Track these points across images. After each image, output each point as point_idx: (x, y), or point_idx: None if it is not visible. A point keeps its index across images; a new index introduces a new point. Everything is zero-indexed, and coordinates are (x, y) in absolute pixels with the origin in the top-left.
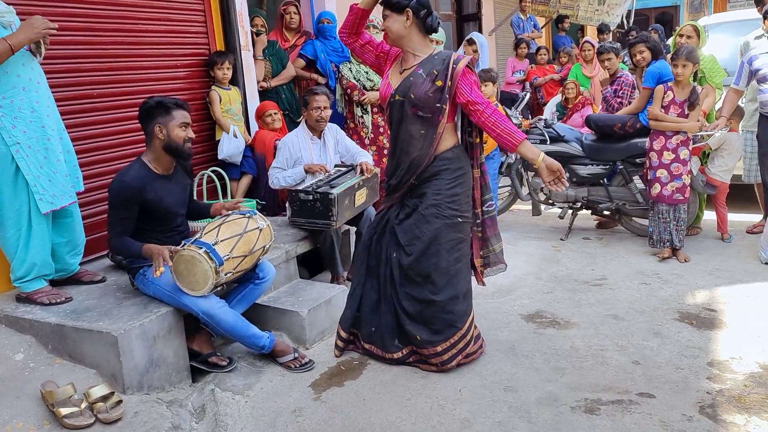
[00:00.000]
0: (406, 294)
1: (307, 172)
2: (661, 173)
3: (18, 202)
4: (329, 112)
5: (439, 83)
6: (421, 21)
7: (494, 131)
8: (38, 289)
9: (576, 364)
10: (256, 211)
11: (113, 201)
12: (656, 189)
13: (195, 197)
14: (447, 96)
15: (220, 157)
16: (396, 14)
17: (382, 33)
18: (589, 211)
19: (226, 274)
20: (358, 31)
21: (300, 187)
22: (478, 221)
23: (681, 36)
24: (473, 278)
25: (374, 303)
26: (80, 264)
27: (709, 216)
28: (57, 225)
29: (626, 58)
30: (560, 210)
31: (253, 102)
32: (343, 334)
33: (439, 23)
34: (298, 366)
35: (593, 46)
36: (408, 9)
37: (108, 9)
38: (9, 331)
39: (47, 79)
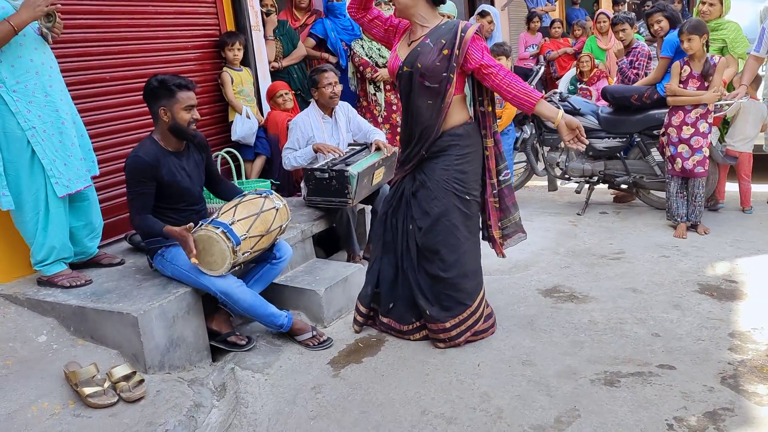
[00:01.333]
0: (420, 267)
1: (315, 151)
2: (683, 148)
3: (35, 186)
4: (340, 87)
5: (446, 52)
6: None
7: (510, 92)
8: (58, 272)
9: (595, 337)
10: (273, 191)
11: (130, 177)
12: (678, 164)
13: (219, 175)
14: (454, 65)
15: (233, 138)
16: None
17: (392, 9)
18: (606, 185)
19: (243, 254)
20: (366, 6)
21: (315, 166)
22: (495, 191)
23: (703, 3)
24: (494, 251)
25: (392, 277)
26: (99, 247)
27: (731, 187)
28: (74, 208)
29: (642, 30)
30: (576, 184)
31: (265, 82)
32: (363, 309)
33: None
34: (316, 344)
35: (608, 17)
36: None
37: None
38: (32, 314)
39: (58, 63)
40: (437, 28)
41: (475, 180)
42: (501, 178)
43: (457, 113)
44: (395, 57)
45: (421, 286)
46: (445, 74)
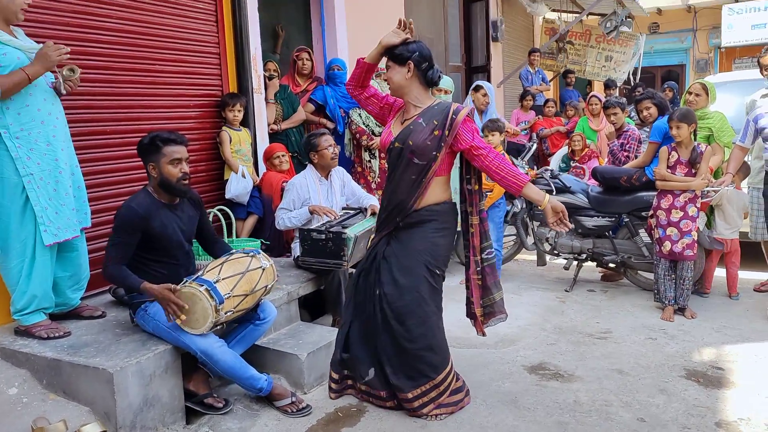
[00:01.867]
0: (385, 333)
1: (311, 213)
2: (671, 231)
3: (24, 232)
4: (338, 149)
5: (437, 132)
6: (422, 73)
7: (498, 174)
8: (37, 322)
9: (579, 419)
10: (260, 251)
11: (117, 225)
12: (666, 246)
13: (213, 232)
14: (443, 144)
15: (227, 196)
16: (398, 66)
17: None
18: (595, 263)
19: (226, 313)
20: (364, 84)
21: (312, 227)
22: (478, 269)
23: (690, 93)
24: (474, 328)
25: (363, 339)
26: (81, 299)
27: (718, 273)
28: (61, 258)
29: (633, 114)
30: (565, 261)
31: (263, 144)
32: (335, 375)
33: (440, 77)
34: (295, 411)
35: (600, 100)
36: (410, 61)
37: (125, 49)
38: (5, 365)
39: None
40: (430, 109)
41: (446, 256)
42: (484, 255)
43: (438, 192)
44: (389, 133)
45: (388, 352)
46: (434, 153)
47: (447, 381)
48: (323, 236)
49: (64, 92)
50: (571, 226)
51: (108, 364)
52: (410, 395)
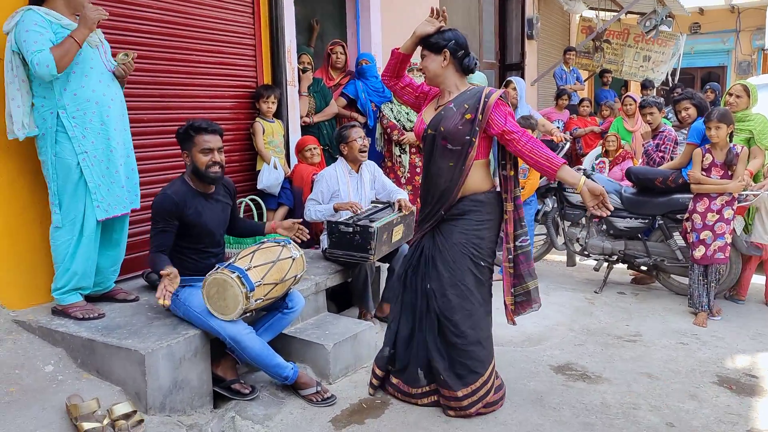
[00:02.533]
0: (439, 330)
1: (336, 210)
2: (706, 235)
3: (74, 211)
4: (368, 141)
5: (468, 116)
6: (459, 61)
7: (532, 158)
8: (73, 302)
9: (606, 421)
10: (291, 240)
11: (155, 214)
12: (700, 251)
13: (238, 214)
14: (477, 128)
15: (259, 186)
16: (434, 54)
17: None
18: (626, 265)
19: (256, 300)
20: (399, 74)
21: (340, 219)
22: (510, 256)
23: (730, 95)
24: (505, 317)
25: (408, 338)
26: (116, 282)
27: (755, 279)
28: (106, 240)
29: (670, 115)
30: (595, 262)
31: (295, 136)
32: (379, 372)
33: (476, 64)
34: (319, 400)
35: (635, 101)
36: (446, 50)
37: (166, 39)
38: (42, 343)
39: None
40: (462, 94)
41: (491, 248)
42: (518, 243)
43: (480, 179)
44: (421, 120)
45: (439, 348)
46: (467, 138)
47: (492, 377)
48: (350, 229)
49: (117, 75)
50: (612, 208)
51: (140, 346)
52: (460, 394)
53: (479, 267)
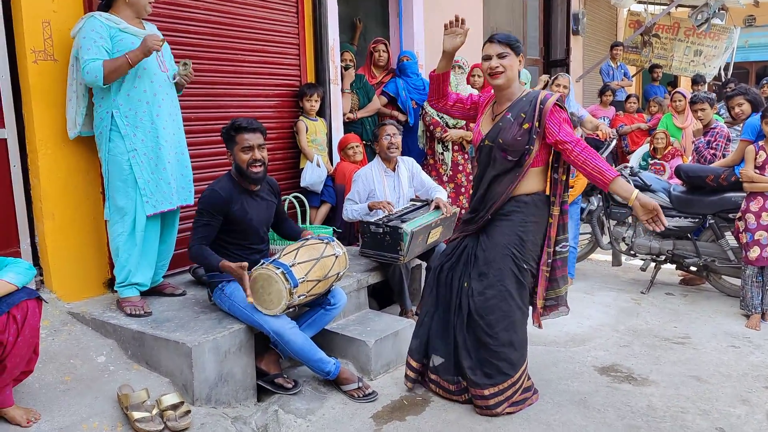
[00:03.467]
0: (469, 328)
1: (371, 209)
2: (761, 235)
3: (125, 206)
4: (399, 139)
5: (526, 126)
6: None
7: (585, 169)
8: (127, 297)
9: (652, 424)
10: (334, 238)
11: (201, 207)
12: (755, 252)
13: (285, 214)
14: (534, 137)
15: (302, 184)
16: (514, 55)
17: (467, 71)
18: (674, 266)
19: (299, 296)
20: (443, 93)
21: (372, 219)
22: (549, 260)
23: None
24: (531, 320)
25: (442, 333)
26: (164, 277)
27: None
28: (162, 234)
29: (722, 111)
30: (642, 262)
31: (338, 134)
32: (414, 364)
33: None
34: (361, 396)
35: (684, 97)
36: (521, 54)
37: (211, 39)
38: (95, 334)
39: None
40: (518, 101)
41: (534, 251)
42: (558, 248)
43: (530, 182)
44: (478, 131)
45: (468, 347)
46: (527, 147)
47: (522, 379)
48: (381, 230)
49: (178, 85)
50: (668, 224)
51: (187, 339)
52: (486, 392)
53: (521, 269)
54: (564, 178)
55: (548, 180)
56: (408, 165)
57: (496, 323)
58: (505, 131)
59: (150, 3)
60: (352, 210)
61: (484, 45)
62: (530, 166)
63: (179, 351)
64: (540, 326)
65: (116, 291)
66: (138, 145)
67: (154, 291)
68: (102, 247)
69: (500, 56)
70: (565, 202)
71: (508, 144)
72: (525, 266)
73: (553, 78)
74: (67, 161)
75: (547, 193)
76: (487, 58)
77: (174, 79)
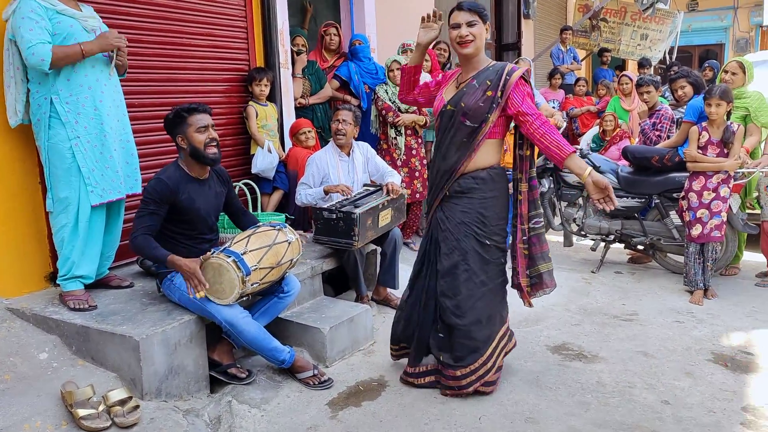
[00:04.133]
0: (437, 308)
1: (326, 193)
2: (702, 213)
3: (68, 196)
4: (350, 127)
5: (489, 93)
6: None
7: (542, 143)
8: (71, 290)
9: (602, 399)
10: (287, 225)
11: (147, 196)
12: (697, 229)
13: (241, 206)
14: (495, 106)
15: (253, 171)
16: (482, 23)
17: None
18: (622, 245)
19: (252, 285)
20: (414, 86)
21: (325, 205)
22: (525, 237)
23: (726, 72)
24: (521, 299)
25: (408, 319)
26: (110, 268)
27: (749, 257)
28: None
29: (667, 94)
30: (592, 242)
31: (290, 119)
32: (393, 347)
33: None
34: (316, 383)
35: (631, 79)
36: (487, 22)
37: (154, 22)
38: (36, 330)
39: None
40: (485, 70)
41: (498, 225)
42: (531, 224)
43: (486, 156)
44: (441, 99)
45: (438, 329)
46: (486, 114)
47: (494, 357)
48: (334, 215)
49: (113, 71)
50: (618, 203)
51: (134, 332)
52: (459, 373)
53: (484, 246)
54: (528, 153)
55: (515, 156)
56: (363, 150)
57: (463, 303)
58: (468, 96)
59: None
60: (306, 194)
61: (450, 13)
62: (486, 137)
63: (126, 345)
64: (530, 305)
65: (59, 285)
66: (81, 132)
67: (100, 284)
68: (42, 239)
69: (469, 24)
70: (533, 177)
71: (469, 108)
72: (488, 242)
73: (514, 62)
74: (1, 150)
75: (502, 165)
76: (455, 26)
77: (111, 61)
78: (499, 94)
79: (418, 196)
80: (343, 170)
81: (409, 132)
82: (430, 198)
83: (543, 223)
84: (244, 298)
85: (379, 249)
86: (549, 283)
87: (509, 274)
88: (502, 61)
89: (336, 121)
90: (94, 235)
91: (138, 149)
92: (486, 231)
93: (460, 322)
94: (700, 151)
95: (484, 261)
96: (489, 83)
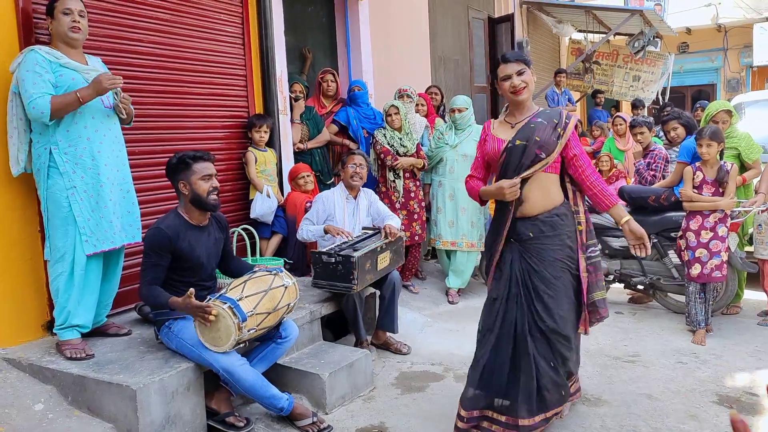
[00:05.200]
0: (550, 348)
1: (326, 232)
2: (701, 253)
3: (64, 245)
4: (365, 171)
5: (560, 130)
6: None
7: (591, 190)
8: (67, 339)
9: None
10: (283, 269)
11: (147, 247)
12: (696, 269)
13: (232, 252)
14: (559, 142)
15: (252, 215)
16: (529, 69)
17: (415, 99)
18: (622, 285)
19: (249, 331)
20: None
21: (323, 249)
22: (586, 266)
23: (716, 122)
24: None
25: (507, 371)
26: (108, 316)
27: (752, 296)
28: (105, 274)
29: (661, 134)
30: None
31: (288, 164)
32: (463, 413)
33: None
34: (315, 431)
35: (625, 120)
36: (531, 67)
37: (156, 72)
38: (32, 380)
39: None
40: (542, 111)
41: (576, 258)
42: (588, 254)
43: (557, 191)
44: (495, 139)
45: (556, 367)
46: (554, 149)
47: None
48: (333, 259)
49: (123, 115)
50: (650, 251)
51: (131, 381)
52: (549, 414)
53: (576, 278)
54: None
55: (566, 191)
56: (368, 195)
57: (573, 337)
58: (541, 131)
59: (71, 28)
60: (308, 230)
61: (498, 66)
62: (553, 170)
63: (123, 394)
64: (587, 333)
65: (55, 334)
66: (77, 182)
67: (98, 332)
68: (40, 288)
69: (519, 73)
70: (586, 210)
71: (545, 141)
72: (578, 274)
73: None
74: (2, 199)
75: (568, 202)
76: (506, 78)
77: (113, 107)
78: (562, 132)
79: (417, 238)
80: (348, 212)
81: (407, 175)
82: (500, 234)
83: (597, 251)
84: (242, 345)
85: (377, 292)
86: (603, 311)
87: None
88: (555, 108)
89: (353, 164)
90: (90, 284)
91: (138, 196)
92: (575, 264)
93: (570, 355)
94: (695, 191)
95: (577, 294)
96: (556, 122)
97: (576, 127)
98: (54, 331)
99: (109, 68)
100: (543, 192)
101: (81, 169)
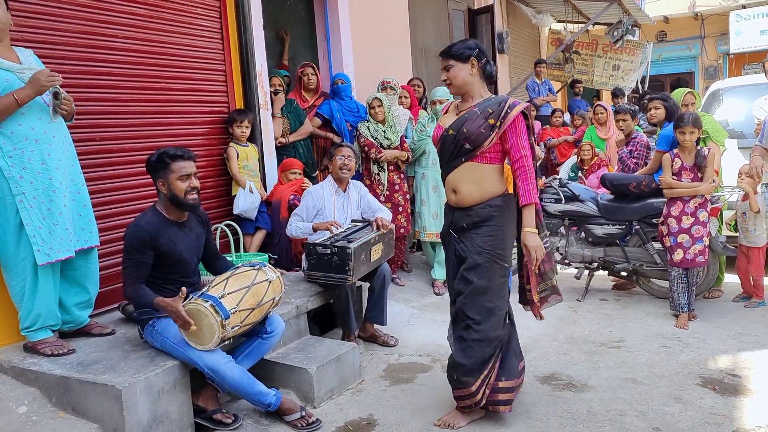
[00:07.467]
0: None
1: (315, 230)
2: (683, 238)
3: (22, 252)
4: (353, 163)
5: (491, 121)
6: (482, 68)
7: (516, 182)
8: (42, 339)
9: (593, 429)
10: (266, 263)
11: (128, 246)
12: (679, 254)
13: (216, 250)
14: (492, 134)
15: (235, 212)
16: (461, 63)
17: (398, 92)
18: (606, 272)
19: (232, 328)
20: None
21: (318, 241)
22: None
23: (685, 105)
24: (531, 313)
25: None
26: (91, 316)
27: (731, 279)
28: (64, 276)
29: (643, 122)
30: (576, 270)
31: (270, 159)
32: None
33: (496, 71)
34: (304, 425)
35: (606, 109)
36: (473, 58)
37: (133, 68)
38: (15, 383)
39: (72, 134)
40: (486, 100)
41: (511, 247)
42: None
43: (496, 182)
44: (438, 126)
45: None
46: (485, 142)
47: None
48: (328, 251)
49: (56, 118)
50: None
51: (116, 381)
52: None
53: (504, 269)
54: None
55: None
56: (357, 187)
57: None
58: (471, 122)
59: (12, 21)
60: (296, 226)
61: None
62: (488, 161)
63: (108, 394)
64: (542, 318)
65: (25, 336)
66: (26, 188)
67: (81, 332)
68: None
69: (446, 69)
70: (538, 201)
71: (471, 133)
72: (507, 265)
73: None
74: None
75: (509, 193)
76: (442, 71)
77: (53, 112)
78: (498, 123)
79: (402, 230)
80: (338, 205)
81: (391, 168)
82: (447, 225)
83: (549, 242)
84: (226, 342)
85: (366, 285)
86: (558, 292)
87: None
88: (506, 95)
89: (341, 156)
90: (47, 292)
91: (119, 195)
92: (505, 254)
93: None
94: (674, 178)
95: (503, 285)
96: (491, 111)
97: (528, 116)
98: (23, 334)
99: (82, 65)
100: (476, 183)
101: (30, 173)
